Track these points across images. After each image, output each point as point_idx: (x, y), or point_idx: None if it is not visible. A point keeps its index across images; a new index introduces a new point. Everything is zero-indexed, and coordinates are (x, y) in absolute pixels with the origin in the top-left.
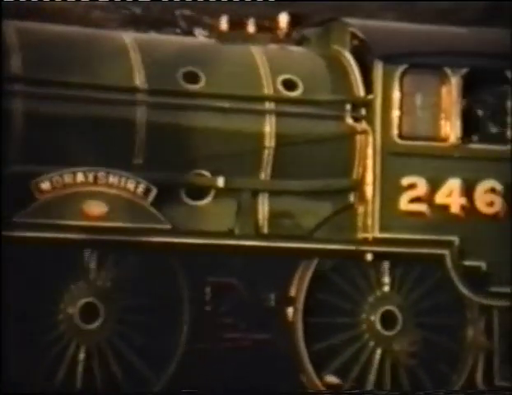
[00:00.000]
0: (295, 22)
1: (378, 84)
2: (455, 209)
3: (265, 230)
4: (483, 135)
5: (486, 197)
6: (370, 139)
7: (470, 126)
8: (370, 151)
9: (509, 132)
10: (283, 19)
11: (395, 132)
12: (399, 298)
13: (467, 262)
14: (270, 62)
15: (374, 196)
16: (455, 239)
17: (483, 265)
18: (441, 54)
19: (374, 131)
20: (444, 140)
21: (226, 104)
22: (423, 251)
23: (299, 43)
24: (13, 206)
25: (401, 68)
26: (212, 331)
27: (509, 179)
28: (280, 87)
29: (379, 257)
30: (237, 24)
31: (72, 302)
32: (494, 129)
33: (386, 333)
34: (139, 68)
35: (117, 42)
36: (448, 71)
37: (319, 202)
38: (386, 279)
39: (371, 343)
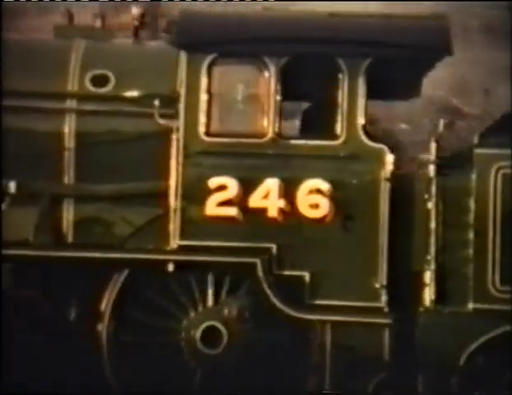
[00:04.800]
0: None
1: (183, 76)
2: (273, 213)
3: (70, 239)
4: (308, 129)
5: (310, 198)
6: (174, 137)
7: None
8: (173, 151)
9: (339, 126)
10: (135, 12)
11: (201, 129)
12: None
13: (286, 272)
14: (84, 58)
15: (176, 200)
16: (272, 246)
17: (306, 275)
18: (258, 41)
19: (178, 128)
20: (261, 136)
21: (16, 103)
22: (230, 260)
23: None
24: None
25: (208, 58)
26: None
27: (338, 178)
28: (87, 83)
29: (182, 267)
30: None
31: None
32: (321, 123)
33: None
34: None
35: None
36: (266, 59)
37: (133, 208)
38: (210, 291)
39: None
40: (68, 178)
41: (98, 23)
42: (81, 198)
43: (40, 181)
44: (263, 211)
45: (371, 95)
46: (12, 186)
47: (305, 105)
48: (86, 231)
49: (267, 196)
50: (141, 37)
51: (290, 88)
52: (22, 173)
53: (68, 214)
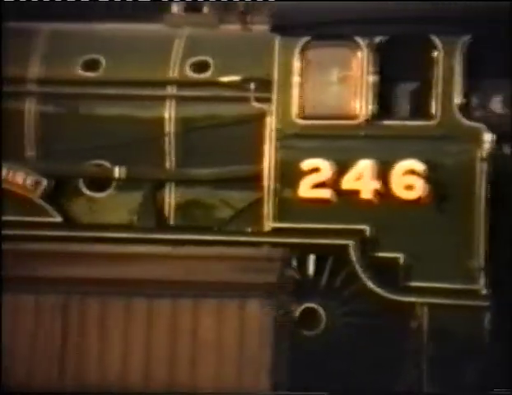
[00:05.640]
0: None
1: (276, 60)
2: (366, 194)
3: (171, 222)
4: (402, 110)
5: (405, 179)
6: (268, 121)
7: (386, 100)
8: (267, 134)
9: (434, 106)
10: None
11: (295, 112)
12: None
13: (379, 254)
14: (186, 45)
15: (269, 182)
16: (365, 227)
17: (401, 257)
18: (350, 22)
19: (271, 112)
20: (354, 118)
21: (120, 91)
22: (323, 241)
23: None
24: None
25: (301, 41)
26: None
27: (433, 159)
28: (187, 69)
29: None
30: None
31: None
32: (415, 103)
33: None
34: (38, 59)
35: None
36: (359, 40)
37: (232, 192)
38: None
39: None
40: (170, 163)
41: (206, 10)
42: (182, 182)
43: (143, 166)
44: (357, 192)
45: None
46: (117, 171)
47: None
48: (187, 214)
49: (361, 177)
50: (248, 23)
51: (383, 69)
52: (126, 158)
53: (170, 198)
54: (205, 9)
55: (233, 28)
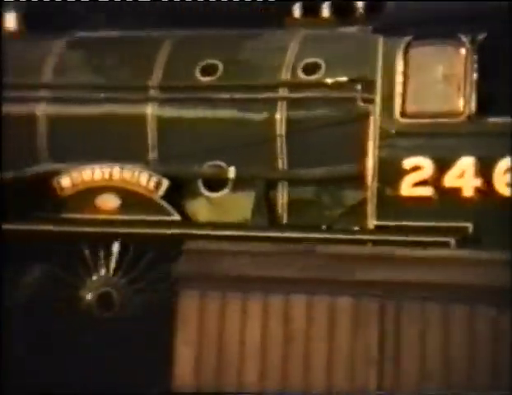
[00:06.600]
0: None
1: (379, 60)
2: (468, 192)
3: (284, 221)
4: (503, 107)
5: (507, 177)
6: (372, 120)
7: (487, 98)
8: (371, 133)
9: None
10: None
11: (397, 110)
12: None
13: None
14: (301, 47)
15: (372, 181)
16: (468, 225)
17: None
18: (452, 20)
19: (374, 111)
20: (456, 115)
21: (236, 95)
22: (425, 239)
23: None
24: (37, 202)
25: (404, 41)
26: None
27: None
28: (299, 71)
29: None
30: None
31: None
32: None
33: None
34: (159, 66)
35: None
36: (462, 37)
37: (340, 190)
38: None
39: None
40: (282, 163)
41: (325, 12)
42: (294, 182)
43: (256, 167)
44: (458, 190)
45: None
46: (232, 171)
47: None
48: (299, 213)
49: (463, 175)
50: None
51: (486, 66)
52: (240, 159)
53: (283, 197)
54: (325, 12)
55: (349, 29)
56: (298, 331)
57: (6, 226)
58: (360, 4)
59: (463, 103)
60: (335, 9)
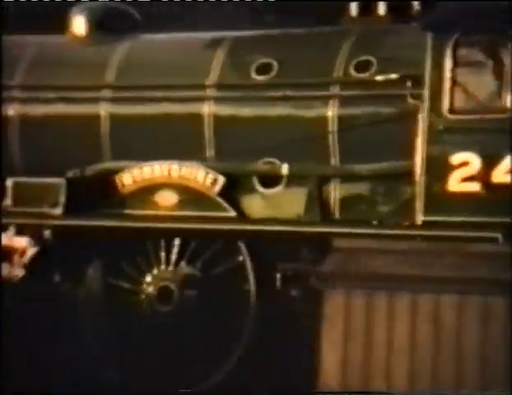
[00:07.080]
0: None
1: (428, 56)
2: None
3: (336, 216)
4: None
5: None
6: (420, 116)
7: None
8: (419, 130)
9: None
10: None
11: (445, 107)
12: None
13: None
14: (355, 45)
15: (421, 176)
16: None
17: None
18: (501, 13)
19: (423, 107)
20: (504, 111)
21: (289, 93)
22: (473, 234)
23: None
24: (101, 199)
25: (452, 37)
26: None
27: None
28: (351, 69)
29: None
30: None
31: None
32: None
33: None
34: (217, 66)
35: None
36: (509, 32)
37: (391, 186)
38: None
39: None
40: (334, 159)
41: (381, 11)
42: (346, 177)
43: (309, 163)
44: (506, 186)
45: None
46: (285, 168)
47: None
48: (351, 208)
49: (510, 171)
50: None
51: None
52: (293, 156)
53: (335, 193)
54: (381, 10)
55: (401, 27)
56: (448, 331)
57: (71, 222)
58: (416, 2)
59: (511, 98)
60: (391, 7)
